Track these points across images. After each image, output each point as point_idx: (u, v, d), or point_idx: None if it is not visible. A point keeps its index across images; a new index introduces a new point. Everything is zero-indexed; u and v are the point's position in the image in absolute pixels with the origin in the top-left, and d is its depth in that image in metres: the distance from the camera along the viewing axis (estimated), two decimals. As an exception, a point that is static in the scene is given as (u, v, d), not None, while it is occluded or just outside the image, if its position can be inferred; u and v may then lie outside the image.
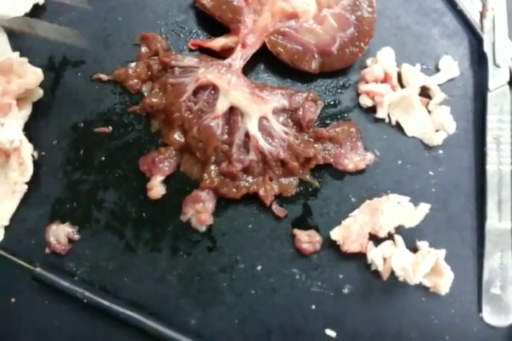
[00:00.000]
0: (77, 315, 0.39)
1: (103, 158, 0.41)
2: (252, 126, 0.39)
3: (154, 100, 0.40)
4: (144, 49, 0.42)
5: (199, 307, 0.39)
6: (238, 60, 0.40)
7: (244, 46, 0.40)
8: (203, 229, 0.40)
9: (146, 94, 0.42)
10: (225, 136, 0.39)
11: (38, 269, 0.38)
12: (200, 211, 0.39)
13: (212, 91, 0.40)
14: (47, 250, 0.40)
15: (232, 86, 0.39)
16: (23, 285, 0.40)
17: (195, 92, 0.40)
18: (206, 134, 0.39)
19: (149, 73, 0.42)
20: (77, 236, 0.40)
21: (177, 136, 0.40)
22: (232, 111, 0.39)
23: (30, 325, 0.39)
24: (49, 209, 0.41)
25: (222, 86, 0.39)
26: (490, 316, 0.39)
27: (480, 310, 0.39)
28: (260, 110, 0.39)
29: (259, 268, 0.39)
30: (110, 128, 0.41)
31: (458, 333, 0.39)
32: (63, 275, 0.39)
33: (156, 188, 0.39)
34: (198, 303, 0.39)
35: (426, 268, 0.36)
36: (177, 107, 0.39)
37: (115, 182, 0.41)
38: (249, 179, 0.39)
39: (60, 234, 0.40)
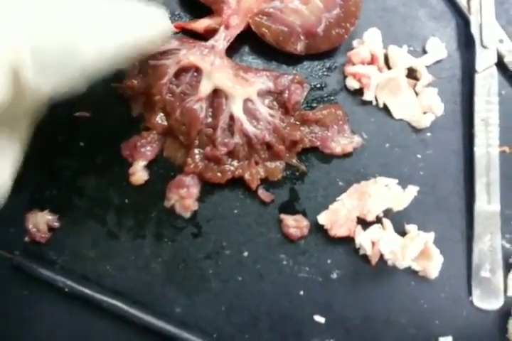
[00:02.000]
0: (59, 304, 0.38)
1: (83, 144, 0.40)
2: (237, 109, 0.38)
3: (134, 82, 0.39)
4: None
5: (184, 295, 0.38)
6: (221, 41, 0.39)
7: (227, 27, 0.39)
8: (188, 215, 0.39)
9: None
10: (209, 119, 0.38)
11: (18, 258, 0.37)
12: (184, 196, 0.38)
13: (195, 74, 0.39)
14: (26, 238, 0.39)
15: (215, 67, 0.38)
16: (2, 275, 0.38)
17: (178, 75, 0.39)
18: (189, 117, 0.38)
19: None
20: (57, 224, 0.39)
21: (159, 120, 0.39)
22: (216, 93, 0.38)
23: (10, 314, 0.38)
24: (28, 197, 0.39)
25: (204, 67, 0.38)
26: (479, 300, 0.38)
27: (470, 293, 0.39)
28: (245, 92, 0.38)
29: (245, 254, 0.38)
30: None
31: (447, 317, 0.38)
32: (43, 263, 0.38)
33: (139, 173, 0.38)
34: (183, 291, 0.38)
35: (415, 251, 0.35)
36: (158, 90, 0.38)
37: (96, 168, 0.40)
38: (235, 163, 0.38)
39: (40, 221, 0.38)
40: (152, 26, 0.32)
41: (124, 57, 0.30)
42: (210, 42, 0.39)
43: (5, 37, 0.24)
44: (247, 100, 0.38)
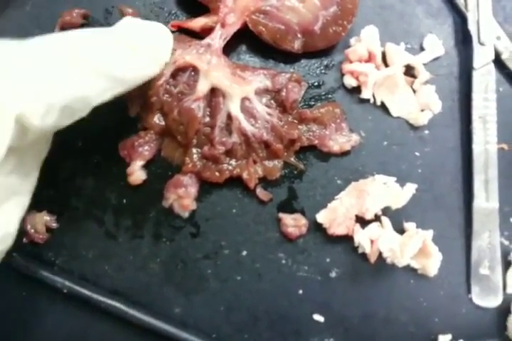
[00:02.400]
0: (57, 305, 0.38)
1: (81, 144, 0.40)
2: (234, 108, 0.38)
3: None
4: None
5: (183, 295, 0.38)
6: (217, 39, 0.39)
7: (223, 25, 0.39)
8: (186, 214, 0.38)
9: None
10: (207, 119, 0.38)
11: (16, 259, 0.37)
12: (182, 196, 0.38)
13: (193, 73, 0.38)
14: (24, 239, 0.38)
15: (212, 66, 0.38)
16: (0, 276, 0.38)
17: (174, 75, 0.38)
18: (187, 117, 0.38)
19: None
20: (55, 225, 0.39)
21: (157, 120, 0.39)
22: (214, 92, 0.38)
23: (8, 316, 0.38)
24: (25, 198, 0.39)
25: (201, 67, 0.38)
26: (479, 297, 0.38)
27: (469, 291, 0.39)
28: (242, 90, 0.38)
29: (244, 253, 0.38)
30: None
31: (447, 315, 0.38)
32: (42, 264, 0.37)
33: (136, 173, 0.38)
34: (182, 291, 0.38)
35: (414, 249, 0.35)
36: (154, 91, 0.38)
37: (94, 169, 0.39)
38: (233, 162, 0.38)
39: (38, 222, 0.38)
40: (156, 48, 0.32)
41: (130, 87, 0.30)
42: (206, 40, 0.39)
43: (15, 88, 0.23)
44: (244, 99, 0.38)
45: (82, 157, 0.40)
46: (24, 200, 0.28)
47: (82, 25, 0.42)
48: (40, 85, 0.24)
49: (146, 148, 0.39)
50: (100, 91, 0.26)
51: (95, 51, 0.27)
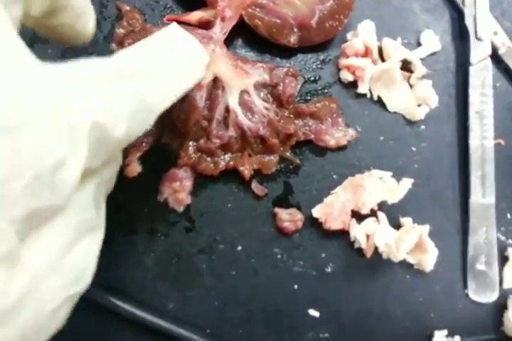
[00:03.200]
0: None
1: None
2: (233, 100, 0.37)
3: None
4: (119, 31, 0.40)
5: (177, 290, 0.37)
6: (219, 32, 0.38)
7: (223, 19, 0.39)
8: (181, 209, 0.38)
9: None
10: (205, 112, 0.38)
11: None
12: (177, 190, 0.38)
13: None
14: (16, 235, 0.38)
15: (216, 55, 0.37)
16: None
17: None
18: (189, 106, 0.37)
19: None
20: (47, 220, 0.38)
21: None
22: (214, 84, 0.38)
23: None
24: (18, 192, 0.39)
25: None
26: (475, 293, 0.38)
27: (465, 286, 0.38)
28: (242, 83, 0.37)
29: (239, 248, 0.38)
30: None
31: (443, 311, 0.38)
32: (33, 260, 0.37)
33: (133, 165, 0.38)
34: (176, 286, 0.37)
35: (410, 244, 0.35)
36: None
37: (87, 163, 0.39)
38: (228, 156, 0.38)
39: (30, 217, 0.38)
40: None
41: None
42: (208, 33, 0.38)
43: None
44: (243, 92, 0.38)
45: (75, 151, 0.39)
46: (99, 235, 0.25)
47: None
48: (109, 94, 0.22)
49: (143, 139, 0.38)
50: (162, 97, 0.25)
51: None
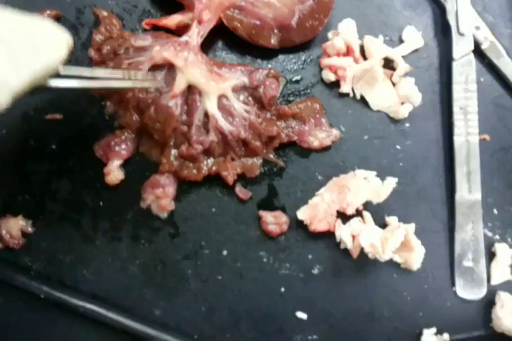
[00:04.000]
0: (35, 311, 0.37)
1: (55, 147, 0.39)
2: (211, 105, 0.37)
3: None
4: (97, 37, 0.40)
5: (163, 297, 0.37)
6: (195, 36, 0.38)
7: (200, 22, 0.38)
8: (165, 215, 0.38)
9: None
10: (184, 117, 0.38)
11: (-9, 265, 0.36)
12: (160, 196, 0.37)
13: (169, 70, 0.38)
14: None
15: (189, 63, 0.37)
16: (-24, 283, 0.37)
17: (152, 71, 0.38)
18: (164, 114, 0.37)
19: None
20: (31, 229, 0.38)
21: (134, 117, 0.38)
22: (190, 90, 0.37)
23: (-14, 324, 0.37)
24: (0, 203, 0.38)
25: (178, 63, 0.37)
26: (463, 290, 0.38)
27: (453, 284, 0.38)
28: (219, 88, 0.37)
29: (224, 253, 0.38)
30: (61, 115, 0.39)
31: (431, 309, 0.38)
32: (18, 270, 0.37)
33: (114, 173, 0.37)
34: (162, 292, 0.37)
35: (395, 243, 0.35)
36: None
37: (69, 171, 0.39)
38: (210, 161, 0.38)
39: (13, 227, 0.37)
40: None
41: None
42: (184, 38, 0.38)
43: None
44: (221, 96, 0.37)
45: (56, 160, 0.39)
46: None
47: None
48: None
49: (123, 147, 0.38)
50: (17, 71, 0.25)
51: None
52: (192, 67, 0.37)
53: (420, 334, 0.37)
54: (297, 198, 0.38)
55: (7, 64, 0.24)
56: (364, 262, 0.37)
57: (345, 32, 0.39)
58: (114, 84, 0.34)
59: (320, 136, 0.39)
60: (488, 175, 0.40)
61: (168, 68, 0.38)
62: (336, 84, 0.40)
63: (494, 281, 0.38)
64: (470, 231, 0.38)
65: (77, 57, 0.40)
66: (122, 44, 0.38)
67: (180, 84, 0.37)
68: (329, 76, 0.39)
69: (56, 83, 0.28)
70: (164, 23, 0.40)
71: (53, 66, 0.27)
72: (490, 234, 0.39)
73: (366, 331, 0.37)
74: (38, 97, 0.39)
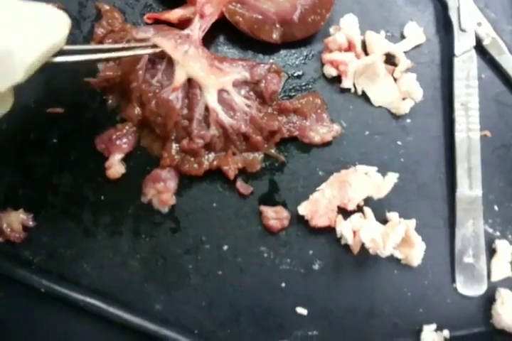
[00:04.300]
0: (36, 305, 0.37)
1: (56, 140, 0.39)
2: (211, 99, 0.37)
3: (109, 73, 0.38)
4: (99, 30, 0.40)
5: (164, 291, 0.37)
6: (197, 30, 0.38)
7: (202, 16, 0.38)
8: (166, 209, 0.38)
9: (101, 69, 0.40)
10: (185, 111, 0.37)
11: (-8, 259, 0.36)
12: (161, 191, 0.37)
13: (170, 63, 0.38)
14: (0, 239, 0.38)
15: (188, 57, 0.37)
16: (-24, 277, 0.37)
17: (153, 63, 0.38)
18: (165, 108, 0.37)
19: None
20: (32, 223, 0.38)
21: (136, 110, 0.38)
22: (191, 83, 0.37)
23: (-14, 318, 0.37)
24: (1, 196, 0.38)
25: (176, 56, 0.37)
26: (463, 286, 0.38)
27: (453, 280, 0.38)
28: (218, 82, 0.37)
29: (225, 247, 0.38)
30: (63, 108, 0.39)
31: (432, 305, 0.38)
32: (19, 264, 0.37)
33: (115, 167, 0.37)
34: (163, 287, 0.37)
35: (396, 238, 0.35)
36: (134, 76, 0.37)
37: (71, 165, 0.39)
38: (211, 155, 0.38)
39: (14, 221, 0.37)
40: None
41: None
42: (186, 31, 0.38)
43: None
44: (222, 90, 0.37)
45: (58, 153, 0.39)
46: None
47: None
48: None
49: (125, 140, 0.38)
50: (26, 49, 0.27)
51: None
52: (192, 60, 0.37)
53: (420, 330, 0.37)
54: (298, 193, 0.38)
55: (21, 43, 0.27)
56: (364, 258, 0.37)
57: (347, 27, 0.39)
58: (116, 55, 0.35)
59: (321, 131, 0.39)
60: (489, 171, 0.40)
61: (168, 61, 0.38)
62: (337, 80, 0.40)
63: (494, 278, 0.38)
64: (471, 227, 0.38)
65: (78, 51, 0.40)
66: (124, 37, 0.38)
67: (179, 77, 0.37)
68: (331, 71, 0.39)
69: (61, 59, 0.31)
70: (166, 17, 0.40)
71: (58, 44, 0.30)
72: (490, 230, 0.39)
73: (366, 327, 0.37)
74: (40, 91, 0.39)
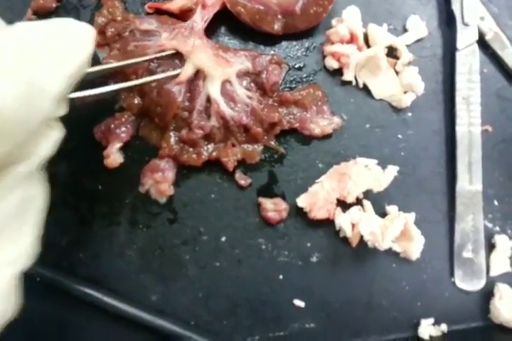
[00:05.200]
0: (30, 294, 0.36)
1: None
2: (214, 90, 0.36)
3: (113, 61, 0.37)
4: (99, 19, 0.39)
5: (160, 282, 0.37)
6: (199, 21, 0.38)
7: (204, 7, 0.38)
8: (163, 200, 0.37)
9: (101, 58, 0.39)
10: (186, 103, 0.37)
11: (-13, 248, 0.36)
12: (159, 181, 0.37)
13: (175, 54, 0.37)
14: (-4, 228, 0.37)
15: (195, 48, 0.37)
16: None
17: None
18: (166, 99, 0.36)
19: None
20: (28, 212, 0.37)
21: (135, 100, 0.38)
22: (195, 75, 0.37)
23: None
24: (-3, 185, 0.38)
25: (186, 50, 0.36)
26: (462, 281, 0.38)
27: (452, 274, 0.38)
28: (224, 72, 0.37)
29: (223, 239, 0.37)
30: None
31: (430, 299, 0.38)
32: (14, 253, 0.36)
33: (113, 156, 0.37)
34: (160, 278, 0.37)
35: (395, 231, 0.35)
36: (136, 67, 0.37)
37: (68, 154, 0.38)
38: (211, 146, 0.37)
39: (10, 210, 0.37)
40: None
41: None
42: (189, 23, 0.37)
43: None
44: (225, 81, 0.37)
45: (55, 142, 0.38)
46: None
47: (56, 8, 0.40)
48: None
49: (123, 129, 0.38)
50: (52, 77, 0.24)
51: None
52: (198, 51, 0.37)
53: (418, 324, 0.37)
54: (297, 185, 0.38)
55: (45, 73, 0.23)
56: (363, 251, 0.37)
57: (349, 19, 0.39)
58: (140, 81, 0.35)
59: (321, 123, 0.39)
60: (490, 166, 0.39)
61: (176, 53, 0.37)
62: (338, 72, 0.39)
63: (493, 273, 0.38)
64: (470, 222, 0.38)
65: (77, 39, 0.39)
66: (127, 27, 0.38)
67: (187, 71, 0.36)
68: (332, 63, 0.39)
69: (82, 94, 0.30)
70: (167, 6, 0.39)
71: (84, 62, 0.26)
72: (490, 225, 0.39)
73: (364, 320, 0.37)
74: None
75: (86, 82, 0.30)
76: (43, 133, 0.25)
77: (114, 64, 0.35)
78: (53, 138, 0.27)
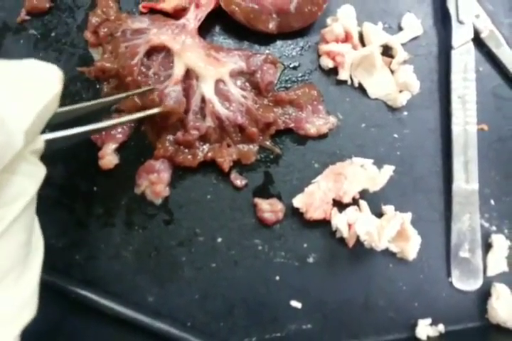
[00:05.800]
0: (26, 297, 0.36)
1: (48, 130, 0.38)
2: (208, 90, 0.36)
3: (107, 64, 0.37)
4: (94, 19, 0.39)
5: (157, 284, 0.37)
6: (192, 20, 0.37)
7: (197, 6, 0.38)
8: (159, 201, 0.37)
9: (95, 58, 0.39)
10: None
11: (-18, 251, 0.36)
12: (154, 182, 0.37)
13: (167, 54, 0.37)
14: (-10, 230, 0.37)
15: (186, 47, 0.36)
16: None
17: (149, 54, 0.37)
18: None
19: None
20: (23, 214, 0.37)
21: (135, 100, 0.37)
22: (187, 74, 0.37)
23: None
24: (-8, 187, 0.38)
25: (174, 47, 0.36)
26: (459, 280, 0.38)
27: (449, 274, 0.38)
28: (216, 72, 0.36)
29: (219, 240, 0.37)
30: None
31: (427, 299, 0.38)
32: (9, 256, 0.36)
33: (108, 157, 0.37)
34: (156, 279, 0.37)
35: (391, 231, 0.35)
36: (129, 71, 0.36)
37: (63, 156, 0.38)
38: (206, 147, 0.37)
39: (5, 212, 0.37)
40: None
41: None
42: (182, 21, 0.37)
43: None
44: (218, 81, 0.37)
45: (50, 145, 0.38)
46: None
47: (50, 8, 0.40)
48: None
49: (120, 130, 0.37)
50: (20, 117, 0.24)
51: None
52: (189, 50, 0.36)
53: (415, 324, 0.37)
54: (293, 186, 0.38)
55: (13, 108, 0.24)
56: (360, 251, 0.37)
57: (344, 18, 0.39)
58: (120, 120, 0.34)
59: (317, 123, 0.39)
60: (486, 165, 0.39)
61: (166, 52, 0.37)
62: (333, 71, 0.39)
63: (490, 272, 0.38)
64: (467, 221, 0.38)
65: (72, 39, 0.39)
66: (119, 26, 0.37)
67: (179, 69, 0.36)
68: (327, 62, 0.39)
69: (53, 135, 0.29)
70: (161, 6, 0.39)
71: (51, 102, 0.27)
72: (487, 224, 0.39)
73: (361, 321, 0.37)
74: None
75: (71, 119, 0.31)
76: (22, 173, 0.26)
77: (84, 103, 0.34)
78: (35, 175, 0.27)
